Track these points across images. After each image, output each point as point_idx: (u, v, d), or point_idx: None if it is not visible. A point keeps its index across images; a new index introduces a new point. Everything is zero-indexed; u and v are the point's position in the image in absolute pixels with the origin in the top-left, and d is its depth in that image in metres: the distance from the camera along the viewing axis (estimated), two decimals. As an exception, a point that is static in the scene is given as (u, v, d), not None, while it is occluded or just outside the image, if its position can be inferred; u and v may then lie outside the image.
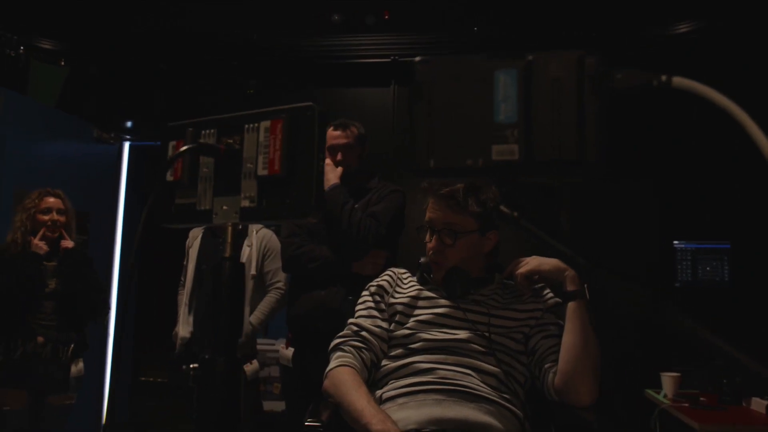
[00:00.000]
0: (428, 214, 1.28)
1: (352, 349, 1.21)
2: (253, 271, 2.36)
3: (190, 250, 2.41)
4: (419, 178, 0.56)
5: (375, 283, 1.34)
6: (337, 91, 3.17)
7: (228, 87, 3.26)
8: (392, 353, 1.22)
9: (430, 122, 0.47)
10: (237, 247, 0.66)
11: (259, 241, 2.41)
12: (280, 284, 2.39)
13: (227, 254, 0.69)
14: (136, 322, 3.49)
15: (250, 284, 2.35)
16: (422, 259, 1.32)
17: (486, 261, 1.30)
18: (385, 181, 1.98)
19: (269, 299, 2.39)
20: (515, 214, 0.50)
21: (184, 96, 3.29)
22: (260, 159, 0.69)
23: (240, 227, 2.43)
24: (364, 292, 1.34)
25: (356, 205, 1.86)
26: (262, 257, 2.40)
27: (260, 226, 2.49)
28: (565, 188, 2.84)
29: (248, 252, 2.37)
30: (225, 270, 0.68)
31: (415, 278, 1.35)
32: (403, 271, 1.39)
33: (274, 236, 2.42)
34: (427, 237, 1.28)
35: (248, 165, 0.69)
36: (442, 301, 1.25)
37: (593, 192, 2.88)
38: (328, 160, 1.94)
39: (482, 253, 1.29)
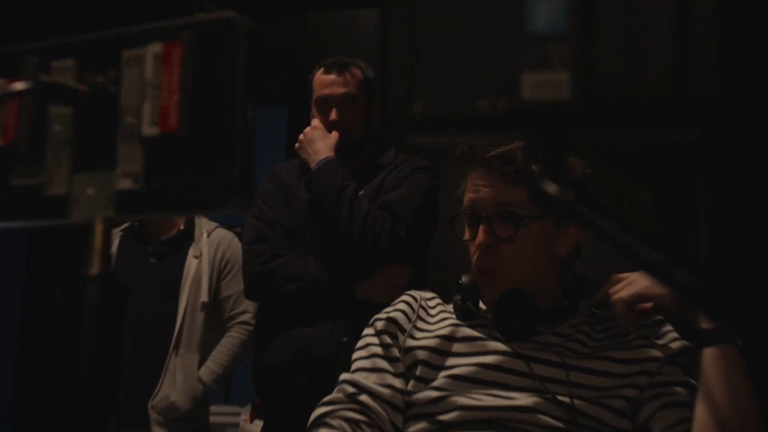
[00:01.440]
0: (469, 195, 1.30)
1: (344, 423, 1.23)
2: (204, 297, 2.42)
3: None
4: (424, 144, 0.55)
5: (384, 316, 1.35)
6: (331, 14, 3.27)
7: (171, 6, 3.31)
8: (411, 429, 1.23)
9: (413, 36, 0.49)
10: (107, 259, 0.64)
11: (212, 248, 2.48)
12: (246, 317, 2.45)
13: (93, 270, 0.68)
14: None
15: (199, 318, 2.41)
16: (463, 278, 1.33)
17: (561, 273, 1.32)
18: (407, 155, 2.06)
19: (230, 341, 2.44)
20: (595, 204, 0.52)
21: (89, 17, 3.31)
22: (147, 109, 0.68)
23: (128, 223, 2.55)
24: (368, 330, 1.35)
25: (361, 192, 1.91)
26: (218, 274, 2.46)
27: (213, 224, 2.57)
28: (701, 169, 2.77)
29: (195, 266, 2.44)
30: (88, 298, 0.66)
31: (449, 307, 1.35)
32: (429, 295, 1.40)
33: (237, 241, 2.48)
34: (467, 233, 1.30)
35: (128, 119, 0.69)
36: (492, 345, 1.26)
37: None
38: (315, 121, 2.02)
39: (556, 259, 1.30)
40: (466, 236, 1.30)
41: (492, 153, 1.25)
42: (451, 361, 1.25)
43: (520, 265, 1.26)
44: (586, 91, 0.44)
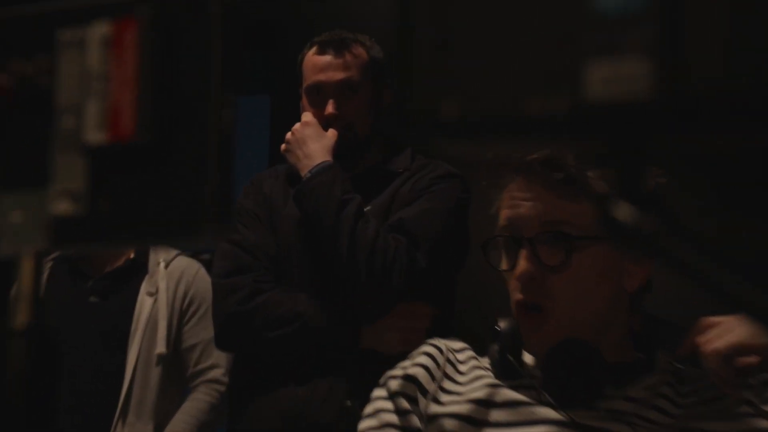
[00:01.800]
0: (506, 211, 1.30)
1: None
2: (160, 348, 2.42)
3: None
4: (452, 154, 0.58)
5: (400, 373, 1.35)
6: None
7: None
8: None
9: (445, 13, 0.50)
10: (38, 307, 0.64)
11: (171, 283, 2.50)
12: (217, 373, 2.46)
13: (19, 322, 0.68)
14: None
15: (154, 375, 2.41)
16: (501, 323, 1.33)
17: (630, 314, 1.31)
18: (427, 159, 2.07)
19: (195, 406, 2.44)
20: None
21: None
22: (92, 108, 0.69)
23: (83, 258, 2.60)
24: (378, 392, 1.35)
25: (367, 208, 1.93)
26: (179, 317, 2.48)
27: (173, 252, 2.57)
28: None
29: (149, 307, 2.45)
30: (13, 359, 0.66)
31: (485, 362, 1.36)
32: (459, 346, 1.40)
33: (204, 272, 2.51)
34: (504, 262, 1.31)
35: (67, 122, 0.69)
36: (542, 413, 1.26)
37: None
38: (307, 115, 2.03)
39: (624, 294, 1.30)
40: (503, 266, 1.29)
41: (535, 156, 1.25)
42: None
43: (576, 303, 1.25)
44: (671, 86, 0.45)
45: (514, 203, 1.29)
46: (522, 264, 1.26)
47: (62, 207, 0.68)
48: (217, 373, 2.44)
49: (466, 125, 0.49)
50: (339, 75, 1.99)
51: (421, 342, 1.43)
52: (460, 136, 0.51)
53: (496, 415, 1.27)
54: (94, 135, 0.68)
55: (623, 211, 0.52)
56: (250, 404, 1.93)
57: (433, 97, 0.50)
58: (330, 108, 1.98)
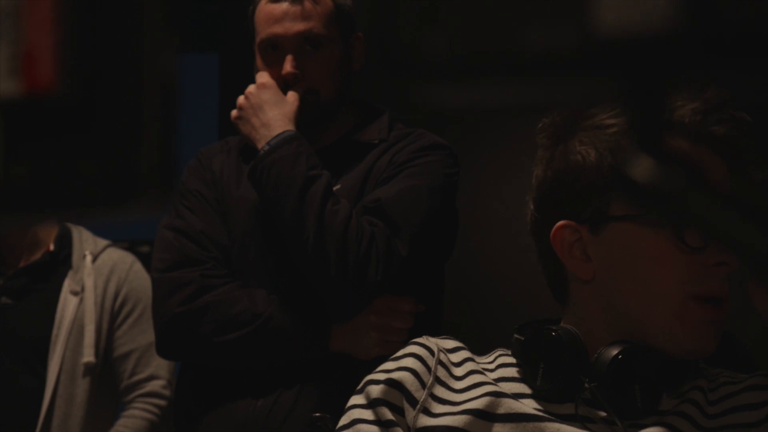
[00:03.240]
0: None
1: None
2: (88, 356, 2.43)
3: None
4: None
5: (382, 377, 1.35)
6: None
7: None
8: None
9: None
10: None
11: (100, 279, 2.51)
12: (157, 385, 2.48)
13: None
14: None
15: (80, 389, 2.42)
16: (556, 330, 1.35)
17: None
18: (409, 128, 2.10)
19: (132, 424, 2.45)
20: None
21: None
22: (1, 54, 0.69)
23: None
24: (356, 399, 1.36)
25: (337, 187, 1.97)
26: (110, 320, 2.49)
27: (102, 243, 2.58)
28: None
29: (74, 308, 2.46)
30: None
31: (484, 362, 1.38)
32: (451, 345, 1.41)
33: (140, 266, 2.54)
34: (695, 239, 1.30)
35: None
36: (553, 428, 1.29)
37: None
38: (263, 76, 2.04)
39: None
40: (696, 243, 1.30)
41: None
42: None
43: None
44: (696, 15, 0.45)
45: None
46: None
47: (-34, 176, 0.68)
48: (156, 385, 2.45)
49: (453, 64, 0.51)
50: (297, 26, 1.99)
51: (401, 344, 1.43)
52: (447, 78, 0.51)
53: (498, 429, 1.28)
54: (5, 86, 0.67)
55: (640, 167, 0.53)
56: (200, 420, 1.94)
57: (414, 30, 0.51)
58: (288, 66, 1.98)
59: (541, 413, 1.30)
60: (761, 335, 1.59)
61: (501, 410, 1.29)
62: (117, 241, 2.61)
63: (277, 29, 1.99)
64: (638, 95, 0.48)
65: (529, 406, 1.31)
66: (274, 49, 2.00)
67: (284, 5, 2.00)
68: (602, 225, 1.36)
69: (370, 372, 1.39)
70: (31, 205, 0.68)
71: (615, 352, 1.31)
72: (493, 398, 1.30)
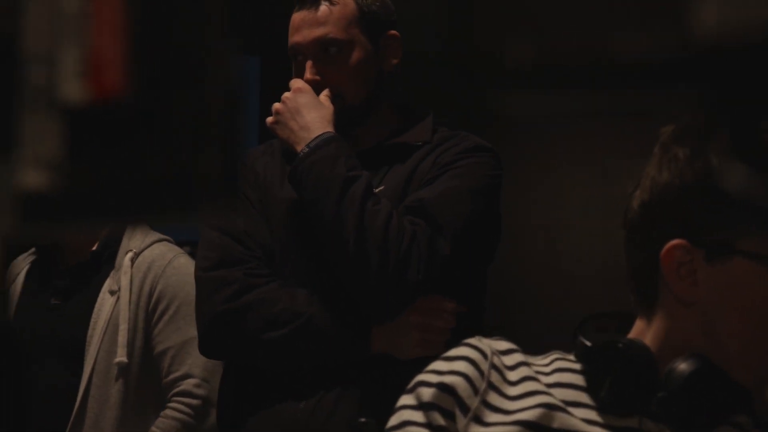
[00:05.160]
0: None
1: None
2: (121, 356, 2.42)
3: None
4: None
5: (434, 380, 1.34)
6: None
7: None
8: None
9: None
10: (3, 305, 0.64)
11: (137, 276, 2.49)
12: (188, 385, 2.45)
13: None
14: None
15: (114, 390, 2.42)
16: (624, 341, 1.32)
17: None
18: (452, 131, 2.10)
19: (163, 426, 2.44)
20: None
21: None
22: (69, 58, 0.68)
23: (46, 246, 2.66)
24: (407, 400, 1.35)
25: (379, 188, 1.97)
26: (146, 318, 2.47)
27: (150, 238, 2.57)
28: None
29: (109, 308, 2.45)
30: None
31: (539, 364, 1.36)
32: (505, 347, 1.39)
33: (179, 262, 2.52)
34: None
35: (36, 75, 0.69)
36: None
37: None
38: (297, 82, 2.04)
39: None
40: None
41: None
42: None
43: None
44: None
45: None
46: None
47: (33, 178, 0.68)
48: (189, 384, 2.42)
49: (539, 73, 0.49)
50: (314, 32, 2.00)
51: (443, 344, 1.42)
52: (532, 87, 0.50)
53: None
54: (71, 91, 0.68)
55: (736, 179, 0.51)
56: (241, 422, 1.95)
57: (499, 39, 0.49)
58: (308, 73, 2.00)
59: (597, 427, 1.29)
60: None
61: (555, 424, 1.28)
62: (177, 236, 2.60)
63: (297, 37, 2.02)
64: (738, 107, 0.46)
65: (586, 417, 1.30)
66: (297, 58, 2.03)
67: (303, 13, 2.02)
68: (725, 257, 1.31)
69: (410, 372, 1.38)
70: (93, 212, 0.69)
71: (692, 367, 1.28)
72: (546, 411, 1.29)
